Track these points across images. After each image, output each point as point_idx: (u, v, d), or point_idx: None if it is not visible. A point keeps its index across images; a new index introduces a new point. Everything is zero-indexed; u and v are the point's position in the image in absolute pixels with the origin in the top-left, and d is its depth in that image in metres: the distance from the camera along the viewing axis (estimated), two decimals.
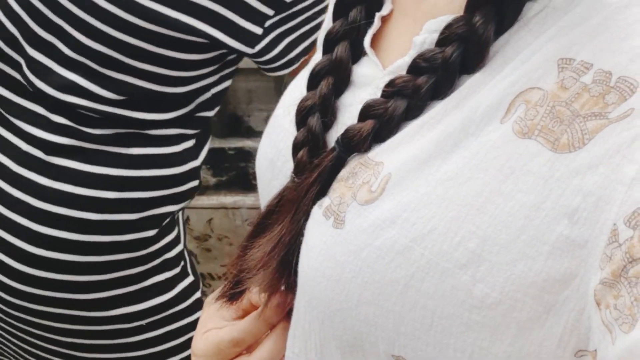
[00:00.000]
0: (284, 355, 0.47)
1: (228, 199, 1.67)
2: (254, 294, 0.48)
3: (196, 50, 0.85)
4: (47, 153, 0.87)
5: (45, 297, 0.88)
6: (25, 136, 0.88)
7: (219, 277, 1.77)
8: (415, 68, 0.39)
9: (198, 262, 1.74)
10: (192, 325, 0.96)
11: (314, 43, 0.91)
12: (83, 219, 0.87)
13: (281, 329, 0.47)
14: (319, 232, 0.41)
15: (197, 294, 0.99)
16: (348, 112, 0.44)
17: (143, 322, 0.93)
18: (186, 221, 1.64)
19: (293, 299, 0.44)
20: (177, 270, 0.96)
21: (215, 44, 0.84)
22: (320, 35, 0.50)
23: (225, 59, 0.90)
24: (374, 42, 0.44)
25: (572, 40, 0.36)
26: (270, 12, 0.85)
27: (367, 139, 0.40)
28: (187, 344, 0.97)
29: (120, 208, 0.89)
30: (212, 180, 1.68)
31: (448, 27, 0.38)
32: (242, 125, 1.61)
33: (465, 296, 0.35)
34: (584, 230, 0.32)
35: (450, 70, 0.38)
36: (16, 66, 0.89)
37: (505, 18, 0.37)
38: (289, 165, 0.46)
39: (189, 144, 0.93)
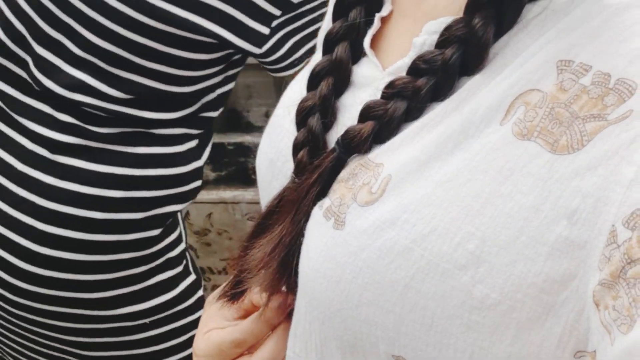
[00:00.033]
0: (285, 356, 0.47)
1: (227, 194, 1.67)
2: (255, 294, 0.48)
3: (204, 50, 0.85)
4: (53, 152, 0.87)
5: (50, 296, 0.88)
6: (30, 134, 0.87)
7: (219, 272, 1.78)
8: (415, 70, 0.39)
9: (198, 257, 1.74)
10: (195, 324, 0.96)
11: None
12: (88, 217, 0.87)
13: (282, 330, 0.47)
14: (319, 233, 0.41)
15: (200, 292, 0.99)
16: (348, 112, 0.44)
17: (146, 321, 0.93)
18: (186, 216, 1.64)
19: (294, 299, 0.44)
20: (179, 268, 0.96)
21: (223, 43, 0.85)
22: (320, 36, 0.50)
23: (231, 59, 0.90)
24: (373, 43, 0.44)
25: (572, 42, 0.36)
26: (277, 12, 0.85)
27: (367, 140, 0.40)
28: (189, 342, 0.97)
29: (125, 207, 0.89)
30: (212, 175, 1.68)
31: (448, 28, 0.38)
32: (242, 120, 1.61)
33: (465, 297, 0.35)
34: (583, 232, 0.32)
35: (450, 72, 0.38)
36: (22, 64, 0.89)
37: (505, 20, 0.37)
38: (289, 166, 0.46)
39: (193, 144, 0.94)
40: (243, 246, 0.45)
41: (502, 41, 0.38)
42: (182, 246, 0.98)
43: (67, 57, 0.85)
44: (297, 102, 0.46)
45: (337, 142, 0.42)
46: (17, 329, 0.93)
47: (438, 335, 0.36)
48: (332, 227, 0.40)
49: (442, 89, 0.39)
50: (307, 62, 0.50)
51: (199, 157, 0.95)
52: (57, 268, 0.87)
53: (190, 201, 0.97)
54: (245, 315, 0.50)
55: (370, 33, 0.44)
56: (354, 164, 0.41)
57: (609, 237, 0.31)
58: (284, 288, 0.45)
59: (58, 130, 0.87)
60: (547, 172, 0.34)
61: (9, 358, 1.00)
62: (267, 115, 1.58)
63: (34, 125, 0.87)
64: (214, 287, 1.79)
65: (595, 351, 0.31)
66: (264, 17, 0.84)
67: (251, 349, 0.49)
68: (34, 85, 0.88)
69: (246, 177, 1.67)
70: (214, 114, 0.95)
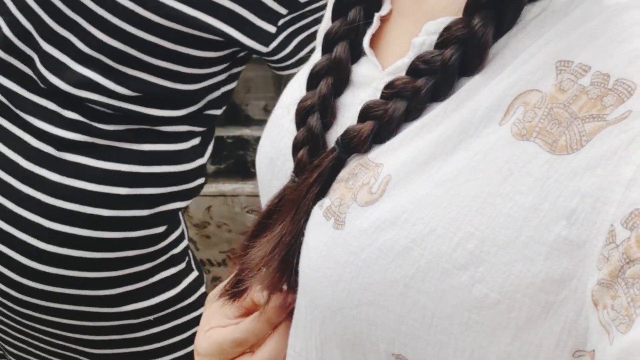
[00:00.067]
0: (286, 354, 0.47)
1: (227, 187, 1.67)
2: (257, 293, 0.48)
3: (211, 47, 0.86)
4: (58, 149, 0.87)
5: (55, 294, 0.88)
6: (35, 132, 0.87)
7: (218, 264, 1.78)
8: (414, 70, 0.39)
9: (197, 249, 1.75)
10: (198, 320, 0.96)
11: None
12: (94, 215, 0.87)
13: (283, 329, 0.47)
14: (319, 232, 0.41)
15: (202, 289, 0.99)
16: (348, 112, 0.44)
17: (151, 318, 0.93)
18: (185, 209, 1.64)
19: (294, 298, 0.45)
20: (182, 265, 0.97)
21: (230, 42, 0.85)
22: (319, 35, 0.50)
23: (236, 57, 0.90)
24: (373, 43, 0.44)
25: (571, 43, 0.36)
26: (284, 11, 0.85)
27: (367, 140, 0.41)
28: (192, 338, 0.97)
29: (131, 204, 0.89)
30: (211, 168, 1.68)
31: (447, 29, 0.38)
32: (241, 114, 1.61)
33: (465, 296, 0.35)
34: (581, 231, 0.32)
35: (449, 73, 0.38)
36: (28, 61, 0.88)
37: (504, 21, 0.37)
38: (289, 165, 0.46)
39: (196, 141, 0.94)
40: (244, 245, 0.45)
41: (501, 42, 0.38)
42: (184, 243, 0.98)
43: (74, 54, 0.85)
44: (297, 101, 0.46)
45: (337, 142, 0.42)
46: (21, 327, 0.92)
47: (438, 335, 0.36)
48: (332, 227, 0.40)
49: (441, 90, 0.39)
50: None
51: (202, 155, 0.95)
52: (63, 265, 0.87)
53: (194, 198, 0.97)
54: (246, 313, 0.50)
55: (369, 33, 0.44)
56: (354, 164, 0.42)
57: (608, 236, 0.31)
58: (284, 287, 0.45)
59: (64, 127, 0.87)
60: (546, 172, 0.34)
61: (10, 357, 1.00)
62: (266, 108, 1.58)
63: (39, 123, 0.87)
64: (214, 279, 1.80)
65: (594, 351, 0.31)
66: (270, 16, 0.85)
67: (252, 347, 0.49)
68: (39, 82, 0.87)
69: (245, 170, 1.67)
70: (218, 112, 0.96)
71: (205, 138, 0.96)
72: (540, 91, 0.35)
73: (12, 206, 0.87)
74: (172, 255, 0.95)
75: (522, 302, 0.34)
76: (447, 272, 0.35)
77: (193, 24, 0.82)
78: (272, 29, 0.85)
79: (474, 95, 0.37)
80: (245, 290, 0.48)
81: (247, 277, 0.44)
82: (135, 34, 0.82)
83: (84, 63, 0.85)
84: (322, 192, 0.42)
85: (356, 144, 0.41)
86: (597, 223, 0.32)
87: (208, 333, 0.50)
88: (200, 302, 0.98)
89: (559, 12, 0.37)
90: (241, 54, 0.90)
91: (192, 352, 1.02)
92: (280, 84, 1.56)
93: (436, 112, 0.39)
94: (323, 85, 0.44)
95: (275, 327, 0.48)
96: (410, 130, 0.39)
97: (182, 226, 0.99)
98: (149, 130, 0.89)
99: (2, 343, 0.99)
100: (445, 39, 0.38)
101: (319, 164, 0.42)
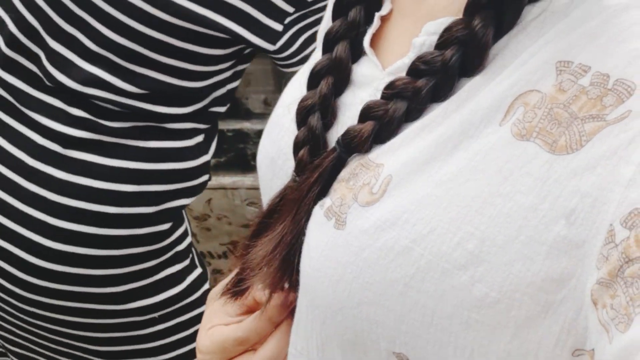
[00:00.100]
0: (287, 353, 0.47)
1: (227, 180, 1.67)
2: (258, 291, 0.48)
3: (218, 45, 0.86)
4: (65, 146, 0.87)
5: (61, 291, 0.88)
6: (41, 129, 0.87)
7: (219, 256, 1.79)
8: (414, 70, 0.39)
9: (198, 241, 1.75)
10: (201, 317, 0.96)
11: None
12: (101, 212, 0.87)
13: (285, 327, 0.48)
14: (320, 232, 0.41)
15: (206, 286, 0.99)
16: (348, 111, 0.44)
17: (156, 315, 0.93)
18: None
19: (296, 297, 0.45)
20: (186, 262, 0.97)
21: (238, 39, 0.85)
22: (320, 35, 0.50)
23: (242, 54, 0.90)
24: (373, 42, 0.45)
25: (571, 43, 0.36)
26: (290, 9, 0.85)
27: (368, 140, 0.41)
28: (196, 335, 0.98)
29: (137, 201, 0.89)
30: (211, 162, 1.67)
31: (447, 30, 0.38)
32: (241, 107, 1.61)
33: (465, 296, 0.35)
34: (581, 231, 0.32)
35: (449, 74, 0.38)
36: (34, 58, 0.88)
37: (504, 21, 0.37)
38: (290, 164, 0.46)
39: (200, 138, 0.94)
40: (245, 245, 0.45)
41: (501, 42, 0.38)
42: (188, 239, 0.98)
43: (81, 51, 0.85)
44: (297, 100, 0.46)
45: (338, 142, 0.42)
46: (26, 325, 0.92)
47: (438, 333, 0.37)
48: (333, 227, 0.40)
49: (441, 90, 0.39)
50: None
51: (206, 152, 0.95)
52: (69, 263, 0.87)
53: (198, 195, 0.97)
54: (248, 311, 0.50)
55: (370, 32, 0.44)
56: (355, 164, 0.42)
57: (607, 236, 0.31)
58: (286, 285, 0.45)
59: (70, 124, 0.86)
60: (546, 172, 0.34)
61: (12, 357, 1.00)
62: (266, 102, 1.58)
63: (45, 120, 0.87)
64: (214, 271, 1.80)
65: (593, 350, 0.32)
66: (277, 14, 0.85)
67: (254, 345, 0.49)
68: (45, 79, 0.87)
69: (245, 163, 1.67)
70: (222, 109, 0.96)
71: (209, 135, 0.96)
72: (540, 91, 0.35)
73: (18, 204, 0.87)
74: (177, 252, 0.95)
75: (522, 301, 0.34)
76: (447, 271, 0.36)
77: (201, 22, 0.82)
78: (278, 27, 0.86)
79: (474, 95, 0.37)
80: (246, 289, 0.48)
81: (249, 277, 0.44)
82: (144, 31, 0.82)
83: (91, 60, 0.85)
84: (323, 192, 0.42)
85: (357, 144, 0.41)
86: (597, 222, 0.32)
87: (210, 331, 0.50)
88: (204, 298, 0.98)
89: (559, 12, 0.37)
90: (247, 51, 0.90)
91: (194, 350, 1.02)
92: (280, 77, 1.56)
93: (436, 113, 0.39)
94: (324, 85, 0.44)
95: (277, 326, 0.48)
96: (410, 131, 0.39)
97: (186, 223, 0.99)
98: (155, 127, 0.89)
99: (4, 342, 0.99)
100: (446, 39, 0.38)
101: (320, 164, 0.43)
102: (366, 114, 0.41)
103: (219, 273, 1.79)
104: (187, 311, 0.96)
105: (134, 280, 0.91)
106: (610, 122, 0.33)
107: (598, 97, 0.34)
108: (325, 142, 0.44)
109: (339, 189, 0.41)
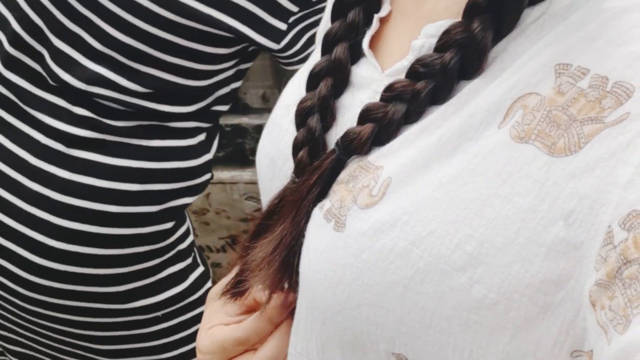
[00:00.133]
0: (287, 353, 0.47)
1: (225, 174, 1.67)
2: (258, 291, 0.48)
3: (222, 44, 0.86)
4: (68, 146, 0.86)
5: (64, 290, 0.88)
6: (45, 128, 0.87)
7: (217, 250, 1.79)
8: (414, 73, 0.39)
9: (197, 236, 1.75)
10: None
11: None
12: (104, 211, 0.87)
13: (285, 327, 0.48)
14: (320, 234, 0.41)
15: (208, 284, 0.99)
16: (347, 112, 0.44)
17: (159, 314, 0.93)
18: None
19: (296, 298, 0.45)
20: (189, 260, 0.97)
21: (242, 39, 0.85)
22: (319, 36, 0.50)
23: (245, 53, 0.91)
24: (372, 44, 0.44)
25: (570, 46, 0.36)
26: (295, 9, 0.86)
27: (367, 142, 0.41)
28: None
29: (141, 200, 0.89)
30: None
31: (446, 32, 0.38)
32: (239, 102, 1.61)
33: (464, 297, 0.35)
34: (579, 232, 0.33)
35: (448, 76, 0.38)
36: (38, 57, 0.88)
37: (504, 24, 0.37)
38: (289, 165, 0.46)
39: (202, 137, 0.94)
40: (244, 246, 0.46)
41: (500, 45, 0.38)
42: (190, 238, 0.98)
43: (86, 50, 0.85)
44: (296, 101, 0.46)
45: (337, 144, 0.42)
46: (28, 324, 0.92)
47: (437, 335, 0.37)
48: (332, 229, 0.40)
49: (441, 93, 0.39)
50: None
51: (208, 150, 0.95)
52: (72, 262, 0.87)
53: (201, 193, 0.97)
54: (248, 311, 0.50)
55: (369, 34, 0.44)
56: (354, 166, 0.42)
57: (605, 237, 0.31)
58: (286, 286, 0.45)
59: (74, 124, 0.86)
60: (544, 175, 0.34)
61: (10, 356, 1.00)
62: (264, 97, 1.58)
63: (48, 119, 0.87)
64: (213, 265, 1.80)
65: (592, 351, 0.32)
66: (282, 14, 0.85)
67: (254, 345, 0.49)
68: (48, 78, 0.87)
69: (243, 157, 1.67)
70: (225, 108, 0.96)
71: (211, 134, 0.96)
72: (539, 94, 0.36)
73: (21, 203, 0.87)
74: (179, 251, 0.95)
75: (520, 303, 0.34)
76: (446, 273, 0.36)
77: (206, 21, 0.82)
78: (283, 26, 0.86)
79: (473, 98, 0.38)
80: (246, 290, 0.48)
81: (248, 278, 0.44)
82: (148, 30, 0.82)
83: (95, 59, 0.85)
84: (322, 194, 0.43)
85: (356, 146, 0.41)
86: (595, 224, 0.32)
87: (210, 331, 0.50)
88: (206, 297, 0.98)
89: (558, 15, 0.37)
90: (250, 49, 0.90)
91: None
92: (279, 73, 1.56)
93: (436, 115, 0.39)
94: (323, 86, 0.44)
95: (277, 326, 0.48)
96: (410, 133, 0.40)
97: (188, 222, 0.99)
98: (158, 126, 0.89)
99: (3, 342, 0.98)
100: (445, 42, 0.38)
101: (319, 166, 0.43)
102: (365, 116, 0.41)
103: (217, 267, 1.79)
104: (190, 310, 0.96)
105: (137, 279, 0.91)
106: (608, 124, 0.33)
107: (597, 99, 0.34)
108: (324, 144, 0.44)
109: (339, 190, 0.41)
